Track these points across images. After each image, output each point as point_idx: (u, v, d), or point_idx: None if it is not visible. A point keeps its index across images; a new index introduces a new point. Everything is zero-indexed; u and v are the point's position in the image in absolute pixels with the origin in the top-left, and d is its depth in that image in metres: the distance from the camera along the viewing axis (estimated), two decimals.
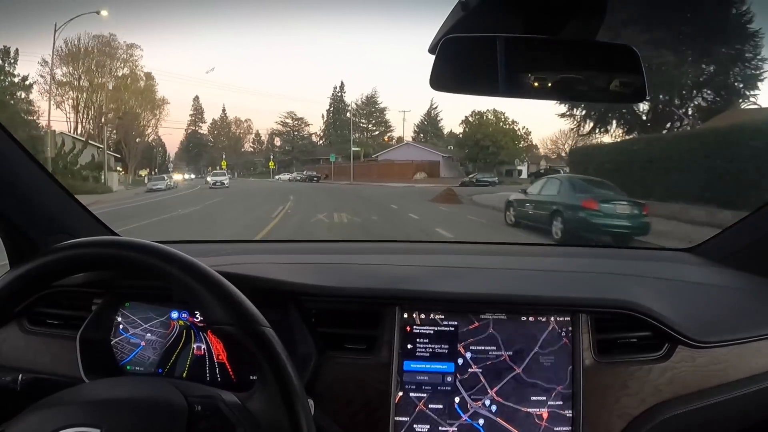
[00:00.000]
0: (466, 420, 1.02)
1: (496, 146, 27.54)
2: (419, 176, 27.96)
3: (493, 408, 1.02)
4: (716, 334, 1.08)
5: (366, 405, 1.02)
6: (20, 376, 0.88)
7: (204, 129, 42.61)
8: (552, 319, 1.06)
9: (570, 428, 1.01)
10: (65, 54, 24.76)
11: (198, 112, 42.51)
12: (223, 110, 43.12)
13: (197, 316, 1.10)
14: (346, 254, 1.51)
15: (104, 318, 1.11)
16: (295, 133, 40.32)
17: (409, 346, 1.04)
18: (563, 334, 1.05)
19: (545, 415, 1.02)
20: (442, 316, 1.05)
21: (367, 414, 1.02)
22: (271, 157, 37.91)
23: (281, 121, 40.29)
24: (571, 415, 1.02)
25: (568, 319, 1.05)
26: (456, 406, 1.02)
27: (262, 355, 0.71)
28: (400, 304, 1.05)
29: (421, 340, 1.05)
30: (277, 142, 40.88)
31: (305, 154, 38.12)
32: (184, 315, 1.11)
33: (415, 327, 1.05)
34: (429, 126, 40.16)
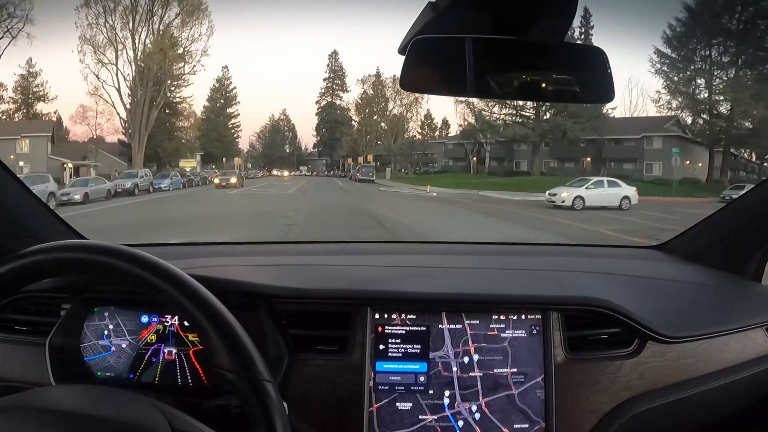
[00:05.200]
0: (447, 415, 1.02)
1: None
2: None
3: (477, 416, 1.03)
4: (685, 330, 1.10)
5: (339, 406, 1.02)
6: None
7: (345, 101, 26.17)
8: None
9: (543, 424, 1.02)
10: None
11: (336, 75, 26.29)
12: (377, 74, 25.03)
13: (168, 320, 1.08)
14: (317, 255, 1.50)
15: (73, 324, 1.09)
16: None
17: (381, 346, 1.04)
18: (534, 332, 1.06)
19: None
20: (414, 316, 1.06)
21: (341, 415, 1.02)
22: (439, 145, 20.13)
23: None
24: None
25: (539, 317, 1.06)
26: (445, 399, 1.03)
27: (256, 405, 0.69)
28: (371, 304, 1.05)
29: (393, 340, 1.05)
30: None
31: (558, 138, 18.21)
32: (155, 319, 1.09)
33: (386, 327, 1.05)
34: None
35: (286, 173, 25.31)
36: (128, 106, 17.40)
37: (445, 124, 26.20)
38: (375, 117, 25.44)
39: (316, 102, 26.88)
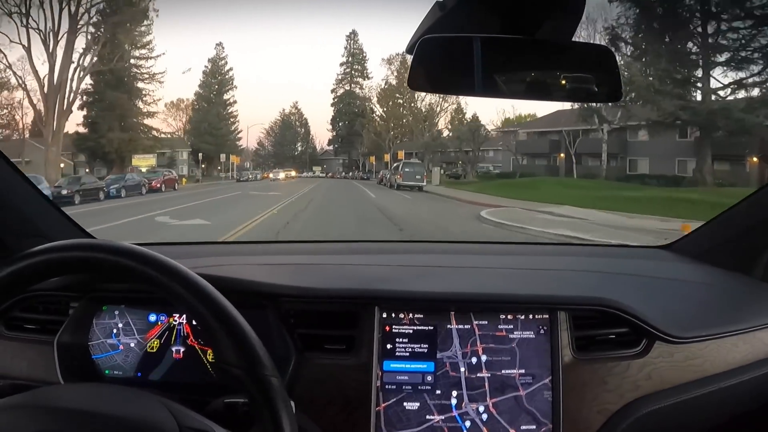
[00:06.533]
0: (455, 415, 1.02)
1: None
2: None
3: (484, 417, 1.02)
4: (693, 330, 1.10)
5: (346, 405, 1.02)
6: None
7: (366, 88, 21.59)
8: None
9: (550, 426, 1.02)
10: None
11: (355, 59, 22.06)
12: (402, 54, 19.95)
13: (176, 319, 1.09)
14: (325, 255, 1.50)
15: (82, 322, 1.09)
16: None
17: (388, 345, 1.04)
18: (542, 332, 1.06)
19: None
20: (421, 316, 1.05)
21: (348, 414, 1.02)
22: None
23: None
24: None
25: (547, 317, 1.06)
26: (453, 399, 1.02)
27: (261, 400, 0.69)
28: (379, 304, 1.05)
29: (401, 339, 1.05)
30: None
31: None
32: (163, 318, 1.09)
33: (394, 327, 1.05)
34: None
35: (281, 175, 19.84)
36: (39, 73, 11.03)
37: (475, 120, 22.62)
38: (402, 109, 20.66)
39: (332, 90, 23.18)
